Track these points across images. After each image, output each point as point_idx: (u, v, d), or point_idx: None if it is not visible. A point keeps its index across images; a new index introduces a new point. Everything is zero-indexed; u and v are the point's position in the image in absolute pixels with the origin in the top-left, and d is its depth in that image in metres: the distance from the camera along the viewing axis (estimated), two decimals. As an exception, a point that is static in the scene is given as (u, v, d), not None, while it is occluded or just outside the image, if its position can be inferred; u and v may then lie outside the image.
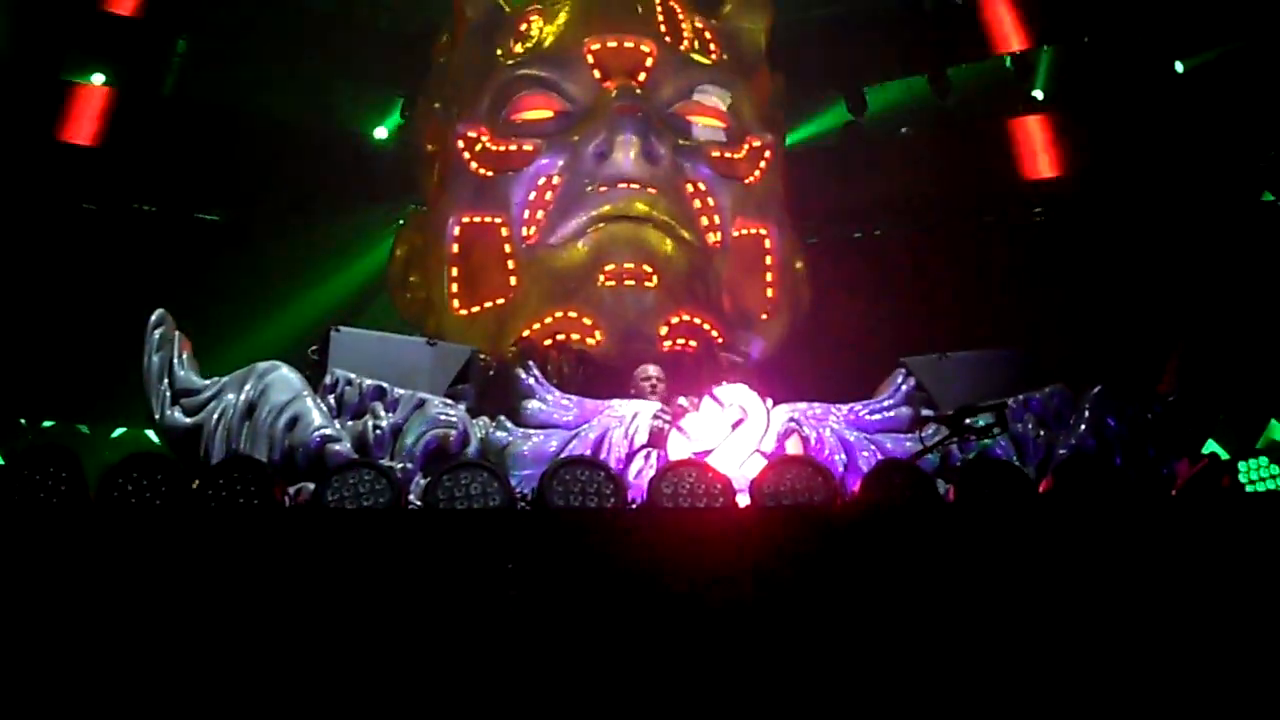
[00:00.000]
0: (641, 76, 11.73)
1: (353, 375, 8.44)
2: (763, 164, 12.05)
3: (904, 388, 9.23)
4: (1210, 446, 8.88)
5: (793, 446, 8.45)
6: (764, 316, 11.93)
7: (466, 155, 11.77)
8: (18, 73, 14.68)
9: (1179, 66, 15.29)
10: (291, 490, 7.35)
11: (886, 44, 16.33)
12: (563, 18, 12.35)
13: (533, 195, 11.34)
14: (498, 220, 11.49)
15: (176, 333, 8.39)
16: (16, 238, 14.49)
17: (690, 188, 11.43)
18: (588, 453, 8.12)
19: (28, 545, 5.69)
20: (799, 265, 12.75)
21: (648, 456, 8.30)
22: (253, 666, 5.32)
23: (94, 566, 5.63)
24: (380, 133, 17.33)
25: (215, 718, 5.21)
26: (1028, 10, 15.78)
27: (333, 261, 15.85)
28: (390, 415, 8.27)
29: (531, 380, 9.02)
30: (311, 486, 7.20)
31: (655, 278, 10.73)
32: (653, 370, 9.39)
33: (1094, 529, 6.12)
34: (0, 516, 5.83)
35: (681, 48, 12.31)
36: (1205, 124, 14.60)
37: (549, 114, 11.82)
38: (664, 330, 10.66)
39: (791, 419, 8.66)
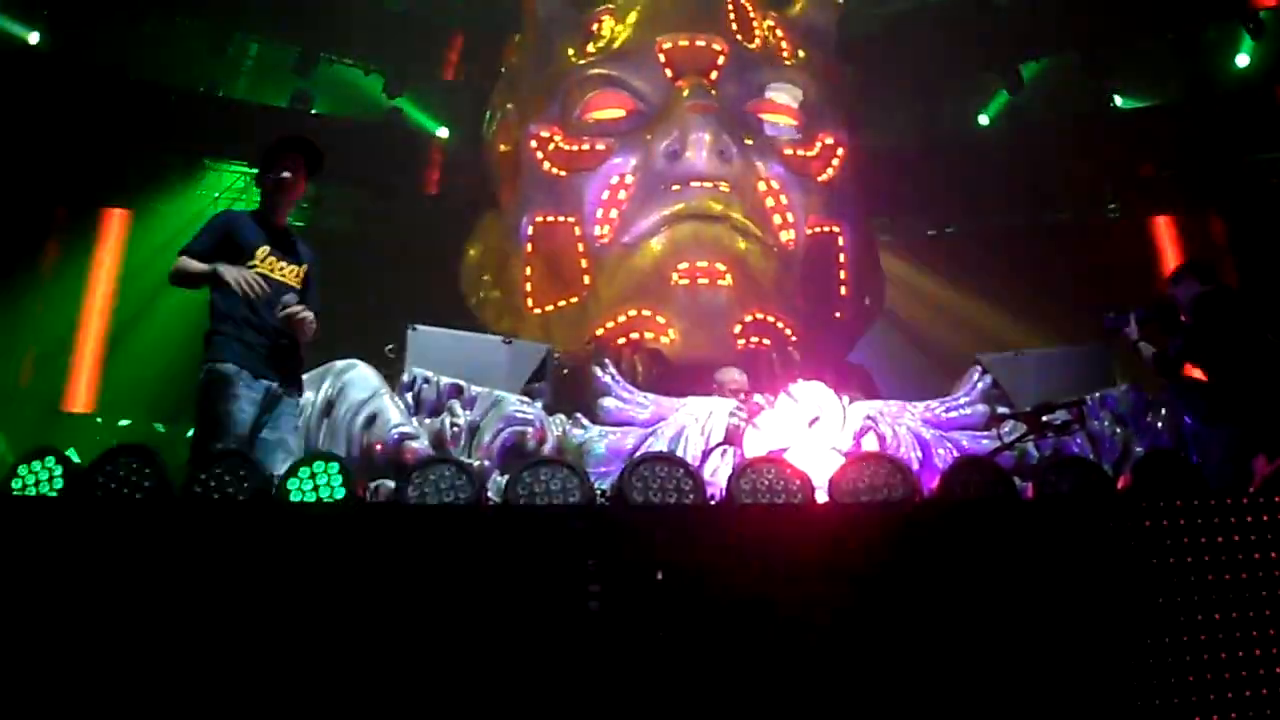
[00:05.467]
0: (713, 75, 11.73)
1: (430, 373, 8.47)
2: (835, 161, 12.02)
3: (980, 385, 9.18)
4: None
5: (869, 444, 8.42)
6: (838, 314, 11.90)
7: (539, 155, 11.82)
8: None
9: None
10: (371, 486, 7.40)
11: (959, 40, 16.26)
12: (634, 17, 12.38)
13: (606, 194, 11.36)
14: (571, 219, 11.52)
15: (255, 331, 8.41)
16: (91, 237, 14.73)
17: (763, 186, 11.41)
18: (665, 449, 8.13)
19: (114, 541, 5.75)
20: (872, 263, 12.73)
21: (724, 454, 8.30)
22: (338, 659, 5.37)
23: (180, 561, 5.69)
24: (443, 132, 17.52)
25: (301, 709, 5.26)
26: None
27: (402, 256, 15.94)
28: (468, 413, 8.30)
29: (607, 378, 9.02)
30: (390, 483, 7.25)
31: (729, 276, 10.71)
32: (737, 375, 9.31)
33: (1172, 526, 6.04)
34: (86, 513, 5.88)
35: (753, 46, 12.30)
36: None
37: (621, 113, 11.85)
38: (738, 329, 10.64)
39: (867, 416, 8.63)
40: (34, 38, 15.29)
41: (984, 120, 16.84)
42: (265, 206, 6.87)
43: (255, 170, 7.10)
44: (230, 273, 6.46)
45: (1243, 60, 15.70)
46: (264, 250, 6.70)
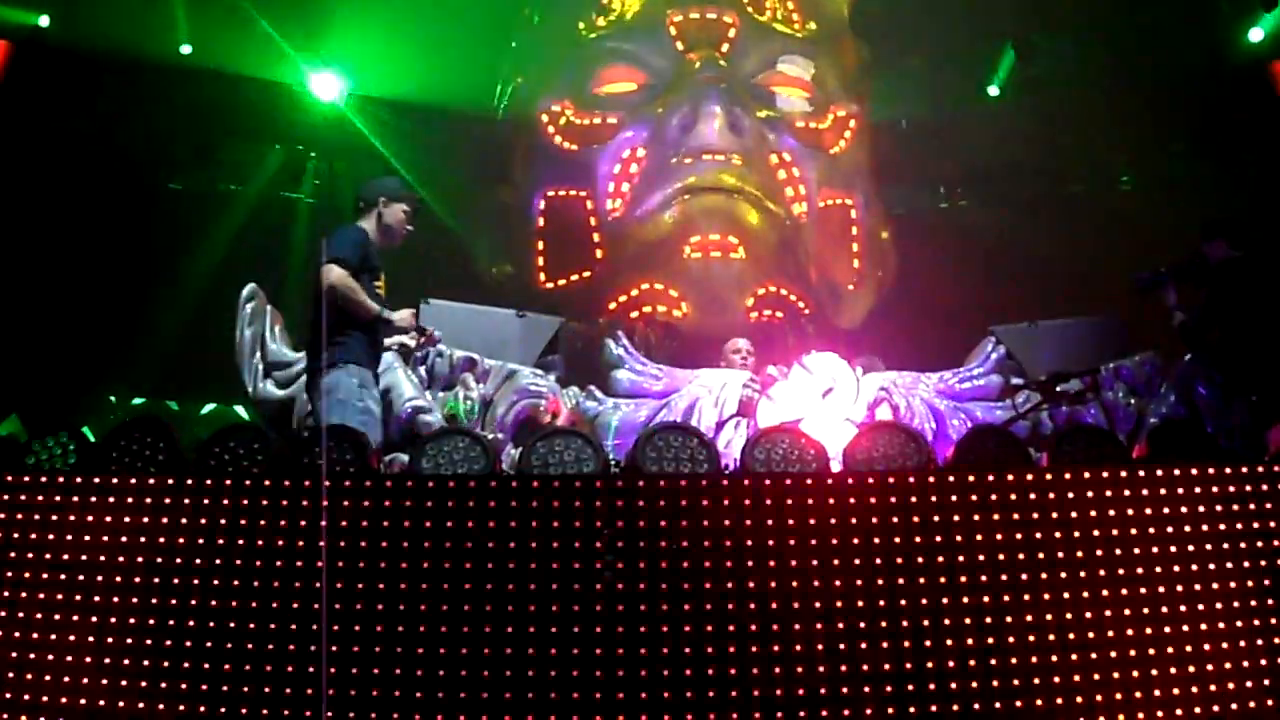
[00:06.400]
0: (725, 48, 11.70)
1: (444, 347, 8.46)
2: (848, 134, 11.99)
3: (994, 356, 9.16)
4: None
5: (883, 415, 8.41)
6: (850, 286, 11.89)
7: (551, 129, 11.81)
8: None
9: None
10: (385, 460, 7.40)
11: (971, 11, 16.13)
12: (644, -10, 12.35)
13: (617, 168, 11.34)
14: (583, 193, 11.51)
15: (269, 306, 8.42)
16: (104, 217, 14.66)
17: (775, 158, 11.39)
18: (678, 421, 8.12)
19: (129, 512, 5.78)
20: (885, 235, 12.70)
21: (737, 425, 8.29)
22: (353, 627, 5.40)
23: (198, 533, 5.72)
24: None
25: (313, 678, 5.29)
26: None
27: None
28: (481, 386, 8.29)
29: (621, 351, 9.02)
30: (404, 458, 7.25)
31: (741, 249, 10.69)
32: (742, 344, 9.33)
33: (1188, 496, 6.04)
34: (101, 485, 5.91)
35: (764, 18, 12.26)
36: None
37: (632, 86, 11.83)
38: (750, 301, 10.62)
39: (881, 387, 8.62)
40: (44, 20, 15.19)
41: (994, 91, 16.72)
42: (381, 236, 7.47)
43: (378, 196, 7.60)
44: (411, 338, 7.67)
45: (1256, 34, 15.56)
46: (382, 275, 7.51)
